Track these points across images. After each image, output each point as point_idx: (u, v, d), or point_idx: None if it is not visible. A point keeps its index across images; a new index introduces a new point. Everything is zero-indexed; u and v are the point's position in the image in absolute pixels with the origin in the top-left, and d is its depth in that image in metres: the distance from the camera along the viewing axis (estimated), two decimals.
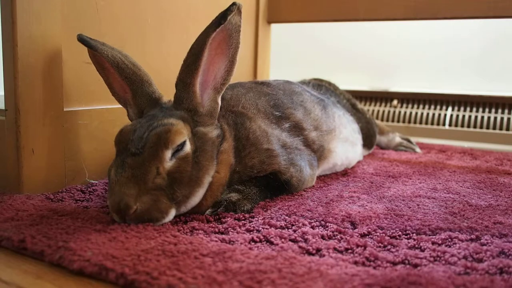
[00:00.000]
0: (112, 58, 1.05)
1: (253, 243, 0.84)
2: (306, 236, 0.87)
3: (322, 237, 0.88)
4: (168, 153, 0.91)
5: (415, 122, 2.46)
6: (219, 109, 1.05)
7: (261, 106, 1.21)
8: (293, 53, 2.94)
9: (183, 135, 0.93)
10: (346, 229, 0.92)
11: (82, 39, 1.08)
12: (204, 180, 0.96)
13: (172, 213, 0.91)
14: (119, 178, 0.88)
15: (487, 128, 2.31)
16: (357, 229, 0.93)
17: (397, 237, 0.90)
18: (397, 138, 2.03)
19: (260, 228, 0.91)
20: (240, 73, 1.99)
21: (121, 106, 1.12)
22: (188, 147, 0.94)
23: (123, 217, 0.87)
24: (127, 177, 0.87)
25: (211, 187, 0.99)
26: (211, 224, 0.93)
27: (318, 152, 1.32)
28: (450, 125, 2.39)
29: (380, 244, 0.85)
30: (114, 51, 1.07)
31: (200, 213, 0.99)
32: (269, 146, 1.12)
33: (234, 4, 0.95)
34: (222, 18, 0.94)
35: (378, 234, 0.90)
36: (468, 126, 2.35)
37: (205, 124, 1.01)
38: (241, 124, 1.11)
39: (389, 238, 0.88)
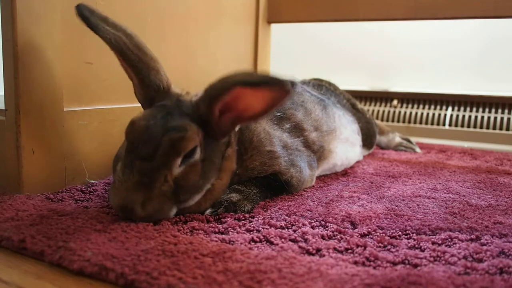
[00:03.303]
0: (115, 43, 0.97)
1: (253, 243, 0.84)
2: (306, 236, 0.87)
3: (322, 237, 0.88)
4: (178, 160, 0.89)
5: (415, 122, 2.46)
6: (232, 132, 1.01)
7: None
8: (293, 53, 2.94)
9: (195, 141, 0.91)
10: (346, 229, 0.92)
11: (81, 14, 0.96)
12: (204, 188, 0.96)
13: (173, 212, 0.92)
14: (126, 180, 0.87)
15: (487, 128, 2.31)
16: (357, 229, 0.93)
17: (397, 237, 0.90)
18: (397, 138, 2.03)
19: (260, 228, 0.91)
20: None
21: (121, 106, 1.11)
22: (197, 155, 0.92)
23: (127, 217, 0.88)
24: (135, 182, 0.86)
25: (212, 192, 0.98)
26: (211, 224, 0.93)
27: (318, 153, 1.32)
28: (450, 125, 2.39)
29: (380, 244, 0.85)
30: (117, 32, 0.98)
31: (200, 213, 0.99)
32: (271, 148, 1.12)
33: (293, 83, 0.80)
34: (284, 84, 0.79)
35: (378, 234, 0.90)
36: (468, 126, 2.35)
37: (216, 137, 0.97)
38: (246, 126, 1.10)
39: (389, 238, 0.88)
